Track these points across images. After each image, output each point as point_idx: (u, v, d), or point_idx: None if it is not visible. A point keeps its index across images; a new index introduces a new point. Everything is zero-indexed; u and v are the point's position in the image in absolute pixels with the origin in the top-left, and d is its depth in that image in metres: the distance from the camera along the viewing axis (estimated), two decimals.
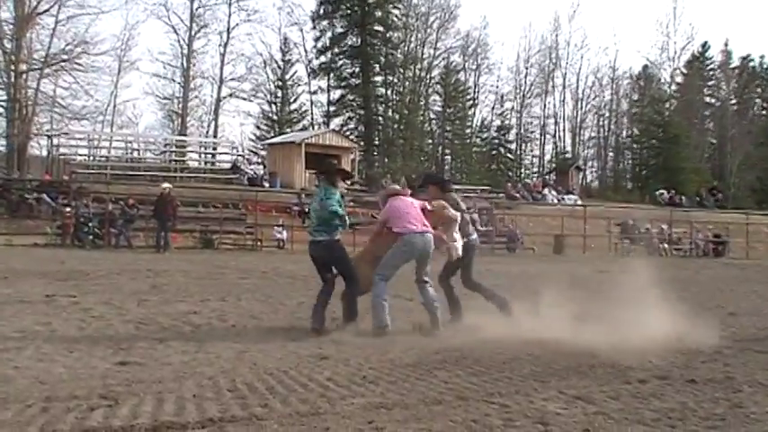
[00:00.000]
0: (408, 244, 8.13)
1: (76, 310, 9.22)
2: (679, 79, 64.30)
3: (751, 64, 65.67)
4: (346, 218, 8.44)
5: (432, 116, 58.81)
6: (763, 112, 66.65)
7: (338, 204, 8.27)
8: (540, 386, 5.68)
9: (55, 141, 38.29)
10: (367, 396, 5.23)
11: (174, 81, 51.16)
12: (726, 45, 65.34)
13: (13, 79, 36.14)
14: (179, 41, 50.02)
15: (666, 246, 34.13)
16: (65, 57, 37.71)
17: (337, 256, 8.34)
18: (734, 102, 65.63)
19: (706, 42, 64.22)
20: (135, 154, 41.55)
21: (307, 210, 29.66)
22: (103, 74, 44.02)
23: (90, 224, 24.54)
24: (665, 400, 5.30)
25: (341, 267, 8.34)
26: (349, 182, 8.24)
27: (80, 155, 37.77)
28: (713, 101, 66.07)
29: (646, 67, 63.32)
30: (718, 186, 54.09)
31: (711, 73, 65.79)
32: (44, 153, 40.46)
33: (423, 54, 57.07)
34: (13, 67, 36.19)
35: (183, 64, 50.28)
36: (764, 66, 65.88)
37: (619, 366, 6.52)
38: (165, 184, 25.36)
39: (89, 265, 15.95)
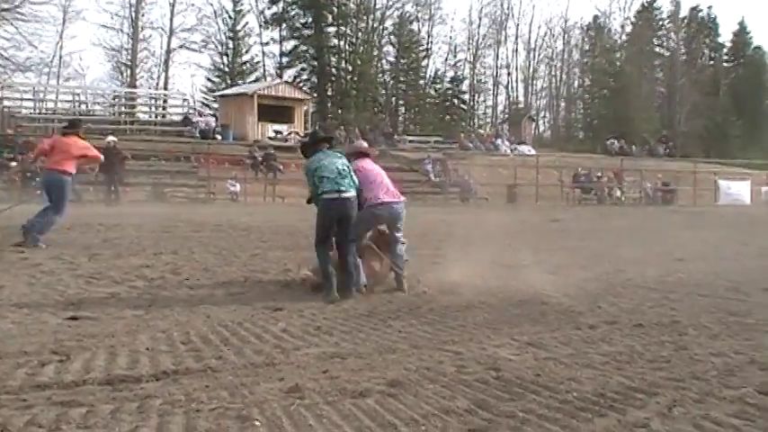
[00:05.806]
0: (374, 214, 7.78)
1: (26, 266, 9.05)
2: (629, 29, 64.70)
3: (699, 14, 66.23)
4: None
5: (385, 67, 58.43)
6: (711, 62, 67.35)
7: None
8: (492, 333, 5.76)
9: None
10: (321, 346, 5.27)
11: (122, 32, 49.87)
12: None
13: None
14: None
15: (617, 194, 34.72)
16: (5, 6, 36.56)
17: (353, 216, 7.53)
18: (683, 52, 66.18)
19: None
20: (83, 107, 40.50)
21: (261, 159, 29.48)
22: (47, 24, 43.01)
23: (38, 179, 24.06)
24: (613, 344, 5.42)
25: (349, 228, 7.53)
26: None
27: (25, 108, 36.82)
28: (663, 51, 66.56)
29: (596, 17, 63.63)
30: (668, 135, 54.87)
31: (661, 23, 66.19)
32: None
33: (376, 4, 56.44)
34: None
35: (131, 14, 49.05)
36: (712, 16, 66.50)
37: (569, 312, 6.65)
38: (110, 138, 24.89)
39: None
